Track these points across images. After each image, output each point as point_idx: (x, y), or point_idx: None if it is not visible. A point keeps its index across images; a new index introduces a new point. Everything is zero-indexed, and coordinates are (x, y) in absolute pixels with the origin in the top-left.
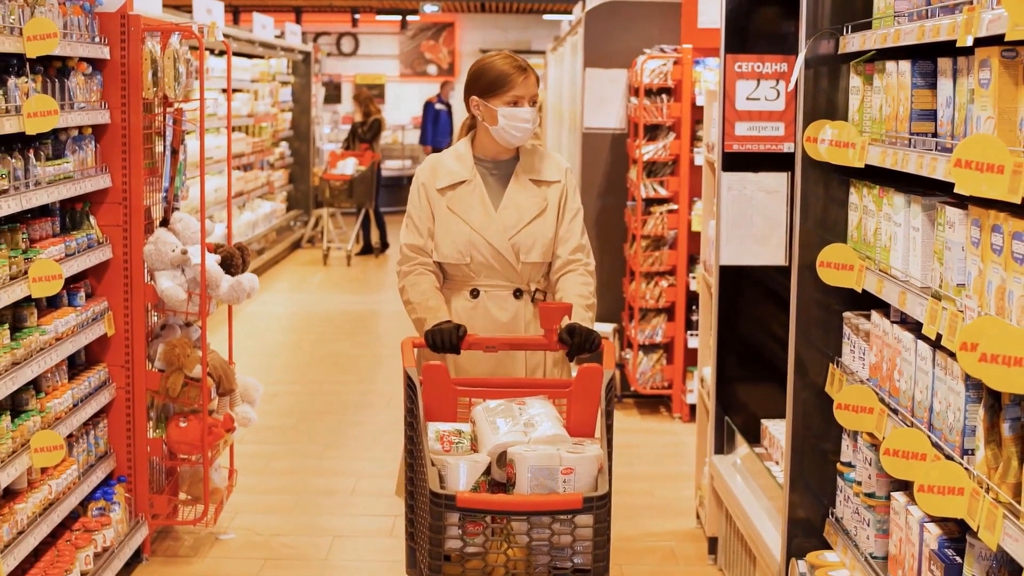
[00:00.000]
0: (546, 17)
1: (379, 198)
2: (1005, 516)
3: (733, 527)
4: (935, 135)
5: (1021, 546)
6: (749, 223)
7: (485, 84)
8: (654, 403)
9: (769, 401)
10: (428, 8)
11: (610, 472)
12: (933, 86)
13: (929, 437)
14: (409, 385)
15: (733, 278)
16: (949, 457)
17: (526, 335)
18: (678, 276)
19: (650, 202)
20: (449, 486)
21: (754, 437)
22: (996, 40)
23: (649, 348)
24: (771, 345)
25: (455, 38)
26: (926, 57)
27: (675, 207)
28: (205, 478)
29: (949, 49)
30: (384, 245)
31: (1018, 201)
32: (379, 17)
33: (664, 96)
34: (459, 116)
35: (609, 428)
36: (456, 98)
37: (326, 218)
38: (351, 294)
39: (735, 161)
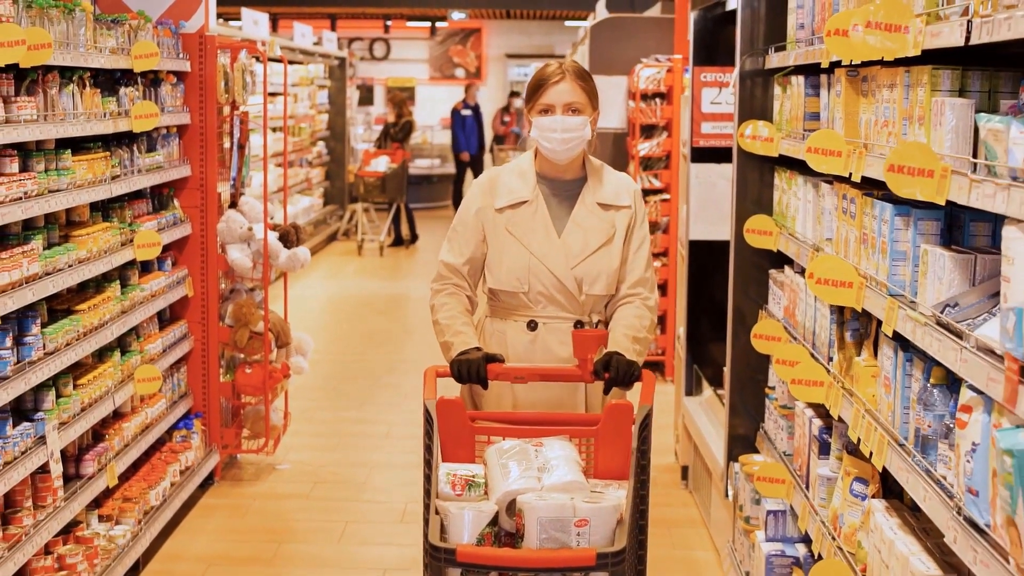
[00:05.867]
0: (567, 23)
1: (409, 194)
2: (843, 396)
3: (699, 455)
4: None
5: (848, 412)
6: (714, 205)
7: (527, 94)
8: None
9: None
10: (456, 15)
11: (645, 519)
12: (817, 95)
13: (812, 353)
14: (427, 419)
15: (702, 251)
16: (819, 362)
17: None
18: (670, 257)
19: (646, 192)
20: (452, 537)
21: (718, 382)
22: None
23: None
24: None
25: (482, 43)
26: (815, 73)
27: (667, 197)
28: (266, 415)
29: (829, 68)
30: (414, 237)
31: (846, 174)
32: (409, 23)
33: (658, 100)
34: (487, 118)
35: (643, 469)
36: (482, 99)
37: (360, 212)
38: (383, 280)
39: (702, 154)
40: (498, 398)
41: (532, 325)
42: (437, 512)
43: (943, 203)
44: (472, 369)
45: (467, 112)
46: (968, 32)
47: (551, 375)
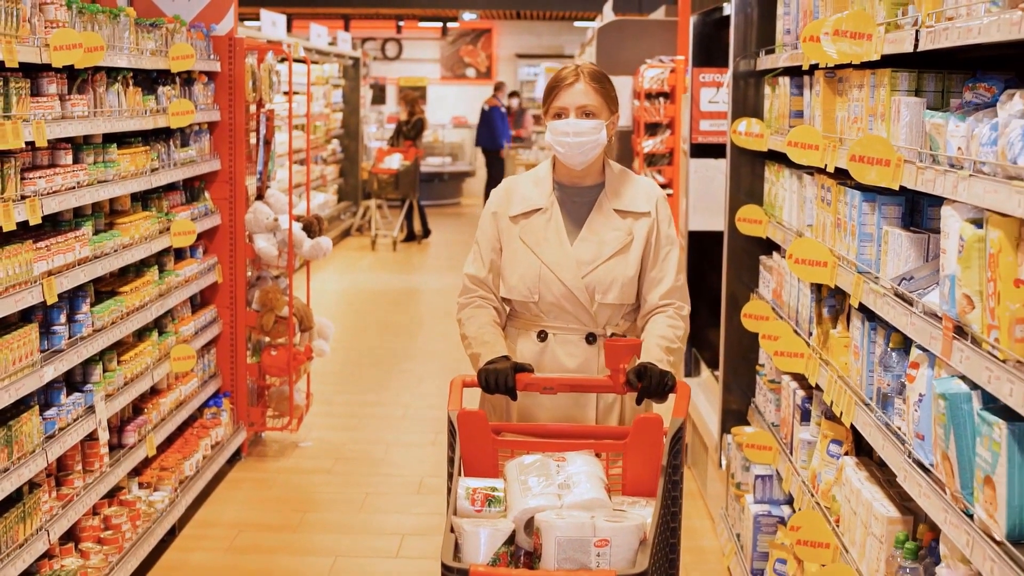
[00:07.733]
0: (576, 24)
1: (421, 191)
2: (820, 365)
3: (697, 433)
4: None
5: (824, 379)
6: (711, 198)
7: (543, 97)
8: None
9: None
10: (467, 15)
11: (677, 538)
12: (801, 94)
13: (794, 329)
14: (451, 432)
15: (700, 241)
16: (800, 336)
17: None
18: None
19: None
20: (466, 556)
21: (716, 365)
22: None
23: None
24: None
25: (492, 43)
26: (799, 74)
27: (671, 191)
28: (290, 395)
29: (811, 70)
30: (426, 233)
31: (822, 166)
32: (421, 24)
33: (662, 99)
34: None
35: (675, 485)
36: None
37: (373, 208)
38: (397, 274)
39: (701, 150)
40: (505, 407)
41: (542, 335)
42: (452, 530)
43: (898, 188)
44: (500, 379)
45: (503, 108)
46: (917, 40)
47: (581, 386)
